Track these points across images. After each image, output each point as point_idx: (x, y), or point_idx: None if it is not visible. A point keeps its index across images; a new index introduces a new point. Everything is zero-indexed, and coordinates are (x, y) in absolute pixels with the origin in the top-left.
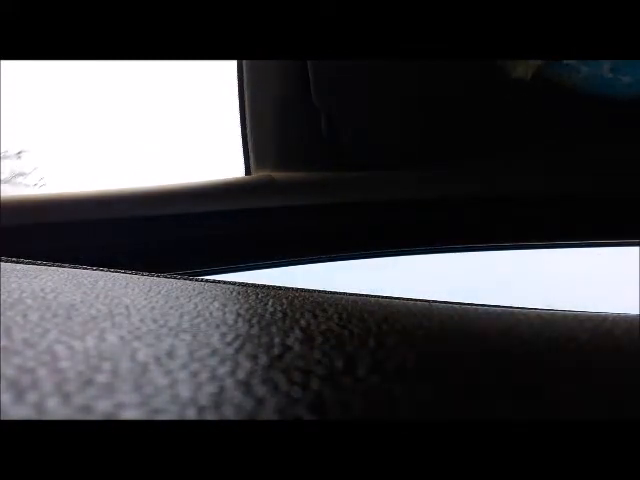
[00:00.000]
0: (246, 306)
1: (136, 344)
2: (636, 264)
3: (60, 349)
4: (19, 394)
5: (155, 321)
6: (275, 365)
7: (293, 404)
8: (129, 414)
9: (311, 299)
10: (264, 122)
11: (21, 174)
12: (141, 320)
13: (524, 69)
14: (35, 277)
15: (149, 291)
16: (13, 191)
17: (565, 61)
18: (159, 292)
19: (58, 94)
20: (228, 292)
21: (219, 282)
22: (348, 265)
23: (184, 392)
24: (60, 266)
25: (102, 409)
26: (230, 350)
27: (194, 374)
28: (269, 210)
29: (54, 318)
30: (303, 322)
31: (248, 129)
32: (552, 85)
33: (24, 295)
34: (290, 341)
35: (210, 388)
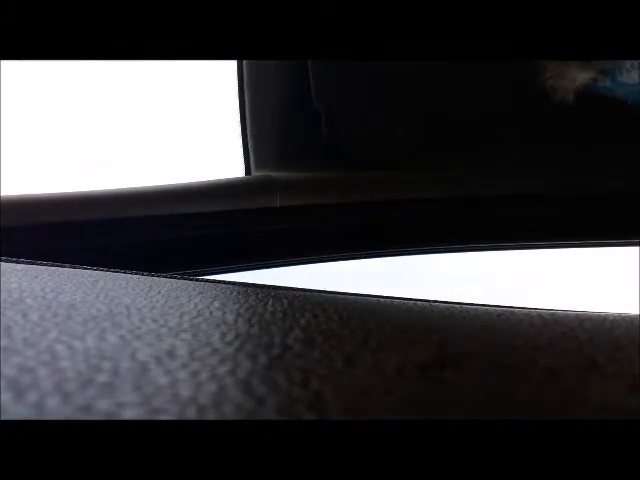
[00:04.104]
0: (246, 306)
1: (136, 344)
2: (636, 264)
3: (60, 349)
4: (19, 393)
5: (155, 321)
6: (275, 365)
7: (293, 404)
8: (129, 414)
9: (311, 299)
10: (264, 122)
11: None
12: (141, 320)
13: (566, 94)
14: (35, 277)
15: (149, 291)
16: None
17: (601, 83)
18: (159, 292)
19: (58, 93)
20: (228, 292)
21: (219, 282)
22: (348, 265)
23: (184, 391)
24: (60, 266)
25: (102, 409)
26: (230, 350)
27: (194, 374)
28: (269, 210)
29: (54, 318)
30: (303, 322)
31: (248, 129)
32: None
33: (24, 295)
34: (290, 341)
35: (210, 387)
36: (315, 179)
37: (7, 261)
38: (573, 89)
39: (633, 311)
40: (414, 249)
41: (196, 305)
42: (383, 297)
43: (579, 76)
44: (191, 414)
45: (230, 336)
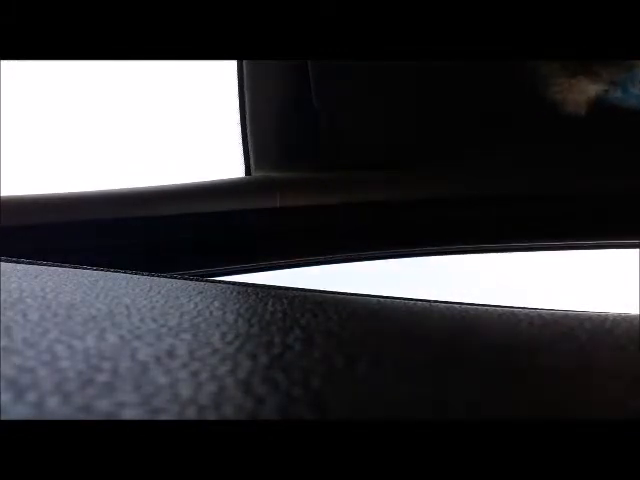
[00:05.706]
0: (246, 306)
1: (136, 344)
2: (636, 264)
3: (60, 349)
4: (19, 393)
5: (155, 321)
6: (275, 364)
7: (293, 404)
8: (129, 414)
9: (311, 299)
10: (264, 122)
11: None
12: (141, 320)
13: (577, 106)
14: (35, 277)
15: (149, 291)
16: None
17: (612, 95)
18: (159, 292)
19: (58, 93)
20: (228, 292)
21: (219, 282)
22: (348, 265)
23: (184, 391)
24: (60, 266)
25: (102, 409)
26: (230, 349)
27: (194, 373)
28: (269, 210)
29: (54, 318)
30: (303, 322)
31: (248, 129)
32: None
33: (24, 295)
34: (290, 341)
35: (210, 387)
36: (315, 179)
37: (7, 261)
38: (584, 102)
39: (633, 311)
40: (414, 249)
41: (196, 305)
42: (383, 297)
43: (590, 88)
44: (191, 414)
45: (230, 336)
